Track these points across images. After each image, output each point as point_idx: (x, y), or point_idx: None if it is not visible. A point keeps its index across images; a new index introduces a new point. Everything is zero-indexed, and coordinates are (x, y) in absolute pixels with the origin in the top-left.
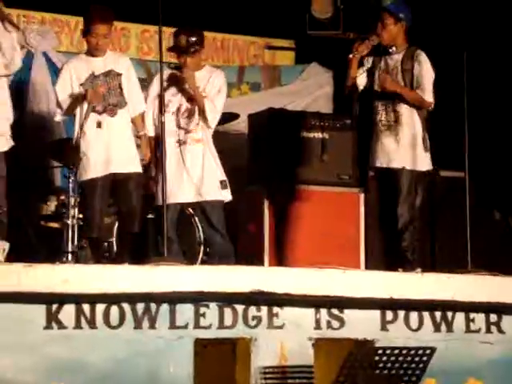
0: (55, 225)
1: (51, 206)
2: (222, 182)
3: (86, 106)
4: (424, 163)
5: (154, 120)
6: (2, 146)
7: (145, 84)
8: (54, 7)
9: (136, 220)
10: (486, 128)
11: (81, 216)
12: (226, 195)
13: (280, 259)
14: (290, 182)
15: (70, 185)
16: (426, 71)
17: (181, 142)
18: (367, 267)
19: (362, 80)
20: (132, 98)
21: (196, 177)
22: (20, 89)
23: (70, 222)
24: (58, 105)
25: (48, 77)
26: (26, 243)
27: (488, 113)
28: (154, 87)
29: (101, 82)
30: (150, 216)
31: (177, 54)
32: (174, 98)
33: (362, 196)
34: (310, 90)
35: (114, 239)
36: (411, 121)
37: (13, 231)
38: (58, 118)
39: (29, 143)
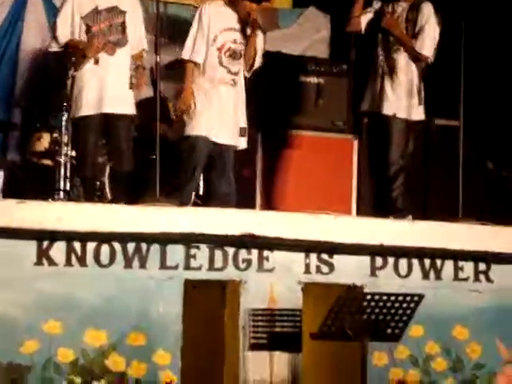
0: (48, 162)
1: (44, 142)
2: (242, 128)
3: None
4: (417, 113)
5: (203, 49)
6: None
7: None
8: None
9: (126, 160)
10: (481, 78)
11: (74, 154)
12: (243, 143)
13: (272, 204)
14: (285, 126)
15: (63, 122)
16: (428, 24)
17: (221, 81)
18: (358, 214)
19: (365, 20)
20: (135, 35)
21: (226, 118)
22: (14, 25)
23: (62, 159)
24: (55, 38)
25: (43, 14)
26: (19, 179)
27: (484, 64)
28: (205, 18)
29: (103, 17)
30: (153, 156)
31: None
32: (220, 35)
33: (356, 143)
34: (306, 35)
35: (106, 179)
36: (408, 70)
37: (6, 167)
38: (54, 48)
39: (22, 80)
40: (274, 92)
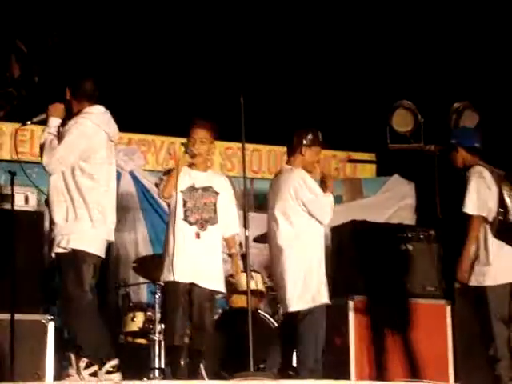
0: (142, 341)
1: (138, 322)
2: None
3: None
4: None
5: None
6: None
7: None
8: (140, 127)
9: (204, 338)
10: None
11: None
12: None
13: (366, 373)
14: (375, 293)
15: (157, 300)
16: (469, 186)
17: None
18: (456, 382)
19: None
20: (228, 218)
21: None
22: None
23: (156, 337)
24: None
25: (134, 194)
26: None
27: None
28: None
29: (199, 194)
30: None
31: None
32: None
33: (449, 308)
34: (392, 202)
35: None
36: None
37: None
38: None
39: (116, 259)
40: (363, 260)
